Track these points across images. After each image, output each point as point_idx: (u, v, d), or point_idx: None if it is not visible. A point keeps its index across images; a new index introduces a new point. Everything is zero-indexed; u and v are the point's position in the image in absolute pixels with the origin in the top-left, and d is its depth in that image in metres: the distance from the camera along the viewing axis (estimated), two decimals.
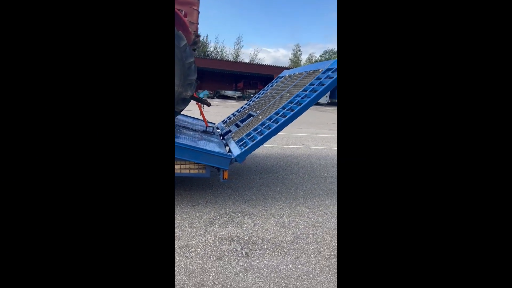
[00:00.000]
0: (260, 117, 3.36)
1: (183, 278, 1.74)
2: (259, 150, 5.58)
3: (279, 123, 2.81)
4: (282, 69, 24.24)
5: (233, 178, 3.74)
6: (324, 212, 2.83)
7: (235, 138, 3.20)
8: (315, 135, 7.98)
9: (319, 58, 45.91)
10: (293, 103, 3.01)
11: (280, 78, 5.08)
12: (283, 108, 3.06)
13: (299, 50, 49.23)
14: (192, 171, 2.65)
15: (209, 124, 3.93)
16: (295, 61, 44.86)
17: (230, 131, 3.86)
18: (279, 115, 2.97)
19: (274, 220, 2.58)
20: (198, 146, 2.57)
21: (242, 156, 2.69)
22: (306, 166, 4.60)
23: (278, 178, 3.85)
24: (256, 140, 2.74)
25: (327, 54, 45.04)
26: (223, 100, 22.41)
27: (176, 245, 2.09)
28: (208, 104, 3.48)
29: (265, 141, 2.76)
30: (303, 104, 2.83)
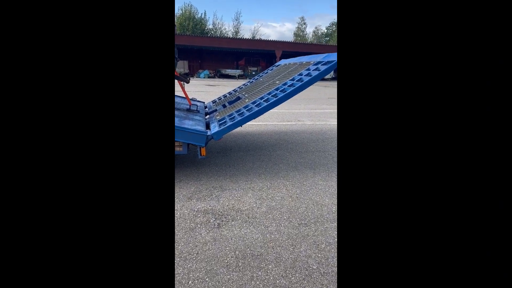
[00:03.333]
0: (247, 100, 3.44)
1: None
2: (252, 128, 5.58)
3: (260, 107, 2.85)
4: (284, 44, 23.39)
5: (219, 156, 3.78)
6: (303, 184, 2.86)
7: (218, 117, 3.24)
8: (312, 111, 7.87)
9: (325, 30, 44.05)
10: (278, 90, 3.06)
11: (276, 67, 5.15)
12: (269, 94, 3.13)
13: (304, 23, 47.37)
14: None
15: (193, 103, 3.91)
16: (300, 35, 43.11)
17: (215, 110, 3.89)
18: (263, 100, 3.03)
19: (252, 193, 2.63)
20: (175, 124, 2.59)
21: (219, 134, 2.71)
22: (296, 142, 4.59)
23: (265, 154, 3.87)
24: (235, 121, 2.78)
25: (334, 26, 42.99)
26: (225, 80, 22.08)
27: None
28: (188, 81, 3.44)
29: (244, 123, 2.81)
30: (287, 92, 2.87)
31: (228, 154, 3.85)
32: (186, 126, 2.66)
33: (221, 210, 2.32)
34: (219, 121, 3.07)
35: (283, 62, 5.12)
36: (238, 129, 5.42)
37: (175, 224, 2.10)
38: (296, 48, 23.81)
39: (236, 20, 39.79)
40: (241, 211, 2.32)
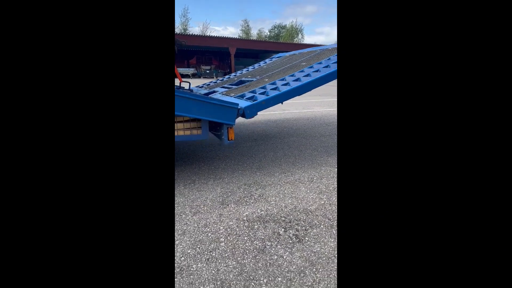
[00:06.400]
0: (266, 79, 2.74)
1: None
2: (238, 119, 4.84)
3: (304, 82, 2.16)
4: (238, 41, 22.78)
5: (225, 148, 2.94)
6: None
7: (232, 94, 2.42)
8: (290, 101, 7.43)
9: (268, 33, 45.28)
10: (319, 68, 2.43)
11: (277, 57, 4.60)
12: (302, 72, 2.49)
13: (248, 26, 47.33)
14: (180, 133, 1.78)
15: (183, 80, 2.98)
16: (245, 38, 43.26)
17: (215, 91, 3.05)
18: (302, 75, 2.36)
19: (305, 187, 1.92)
20: (190, 93, 1.69)
21: (253, 109, 1.92)
22: (301, 128, 4.00)
23: (279, 142, 3.17)
24: (273, 95, 2.04)
25: (276, 29, 44.84)
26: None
27: (184, 245, 1.30)
28: (183, 44, 2.53)
29: (285, 99, 2.10)
30: (332, 70, 2.25)
31: (236, 146, 3.03)
32: (207, 97, 1.78)
33: (283, 215, 1.55)
34: (239, 96, 2.25)
35: (282, 55, 4.66)
36: None
37: (230, 246, 1.27)
38: (250, 45, 23.43)
39: (184, 16, 36.86)
40: (311, 212, 1.58)
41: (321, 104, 6.74)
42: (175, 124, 1.75)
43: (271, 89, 2.21)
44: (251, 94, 2.21)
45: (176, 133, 1.75)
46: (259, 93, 2.18)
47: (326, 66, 2.42)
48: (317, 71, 2.37)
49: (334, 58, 2.63)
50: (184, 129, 1.78)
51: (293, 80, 2.29)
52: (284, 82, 2.33)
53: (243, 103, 1.96)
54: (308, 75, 2.33)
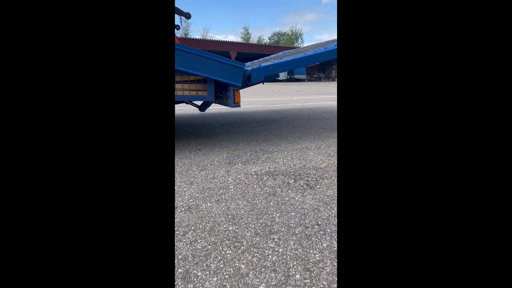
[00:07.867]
0: (271, 62, 2.77)
1: (231, 228, 0.95)
2: (241, 109, 4.82)
3: (309, 54, 2.14)
4: (238, 45, 23.02)
5: (228, 127, 2.91)
6: None
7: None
8: (292, 98, 7.44)
9: (268, 41, 45.78)
10: (326, 46, 2.43)
11: (281, 53, 4.66)
12: (309, 51, 2.50)
13: (248, 33, 47.70)
14: (186, 93, 1.75)
15: None
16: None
17: None
18: (310, 52, 2.36)
19: (313, 152, 1.88)
20: (194, 49, 1.67)
21: (259, 73, 1.90)
22: (305, 114, 3.99)
23: (283, 123, 3.15)
24: (279, 61, 2.02)
25: (275, 36, 45.39)
26: None
27: (192, 191, 1.26)
28: (189, 16, 2.54)
29: (291, 66, 2.06)
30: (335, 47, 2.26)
31: (239, 126, 3.00)
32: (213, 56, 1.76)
33: (292, 172, 1.51)
34: (248, 66, 2.24)
35: (286, 51, 4.74)
36: (228, 109, 4.59)
37: (240, 191, 1.23)
38: (251, 49, 23.67)
39: (185, 21, 37.29)
40: (320, 169, 1.55)
41: (322, 99, 6.75)
42: (181, 85, 1.73)
43: (275, 61, 2.21)
44: (257, 66, 2.21)
45: (182, 93, 1.72)
46: (265, 63, 2.17)
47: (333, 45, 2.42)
48: (324, 48, 2.38)
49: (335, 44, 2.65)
50: (190, 89, 1.75)
51: (301, 52, 2.29)
52: (291, 57, 2.33)
53: (249, 68, 1.94)
54: (315, 51, 2.33)
